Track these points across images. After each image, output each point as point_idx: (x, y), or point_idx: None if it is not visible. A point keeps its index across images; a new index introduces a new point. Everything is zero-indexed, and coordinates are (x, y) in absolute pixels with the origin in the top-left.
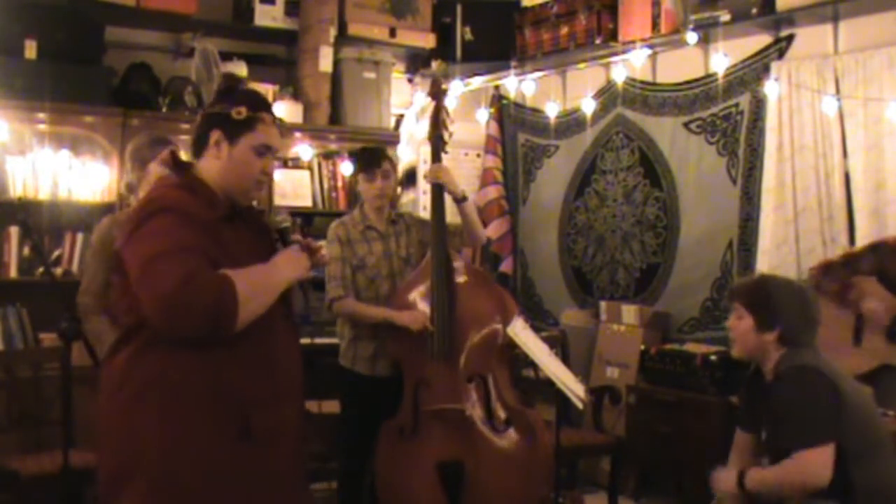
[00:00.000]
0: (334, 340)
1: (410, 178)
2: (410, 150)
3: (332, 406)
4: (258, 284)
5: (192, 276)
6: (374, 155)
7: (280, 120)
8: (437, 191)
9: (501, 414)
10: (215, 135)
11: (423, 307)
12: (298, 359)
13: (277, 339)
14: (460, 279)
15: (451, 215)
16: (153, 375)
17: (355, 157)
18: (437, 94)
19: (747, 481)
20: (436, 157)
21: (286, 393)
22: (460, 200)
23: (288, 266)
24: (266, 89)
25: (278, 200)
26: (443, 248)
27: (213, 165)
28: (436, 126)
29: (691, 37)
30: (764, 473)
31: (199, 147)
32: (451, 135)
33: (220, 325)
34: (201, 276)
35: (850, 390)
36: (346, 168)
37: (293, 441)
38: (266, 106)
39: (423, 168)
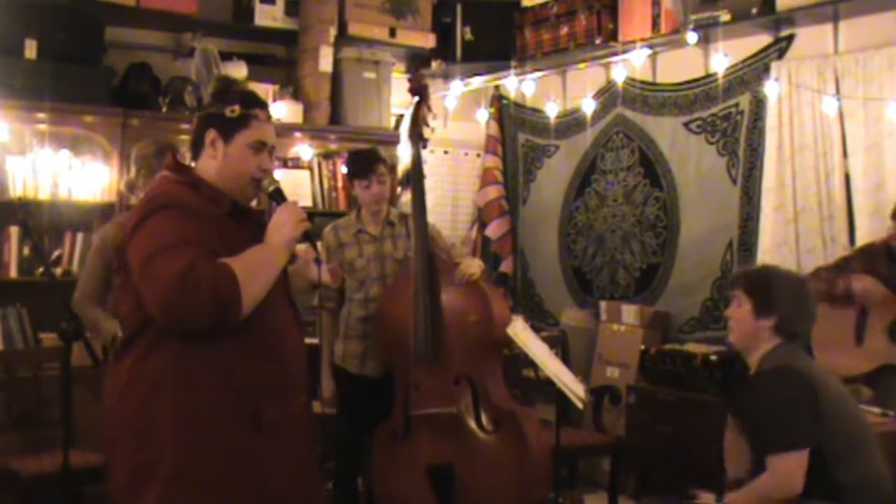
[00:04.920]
0: None
1: (410, 178)
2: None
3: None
4: (256, 264)
5: (191, 270)
6: (367, 160)
7: (276, 121)
8: (419, 188)
9: (490, 415)
10: (210, 134)
11: (406, 310)
12: (304, 348)
13: (284, 328)
14: (443, 279)
15: (452, 222)
16: (162, 374)
17: (349, 161)
18: (419, 90)
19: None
20: (416, 156)
21: (295, 382)
22: None
23: (283, 228)
24: (266, 89)
25: None
26: (424, 248)
27: (210, 165)
28: (416, 123)
29: (691, 37)
30: (741, 494)
31: (196, 148)
32: (432, 130)
33: (225, 313)
34: (200, 267)
35: (830, 392)
36: (346, 168)
37: (304, 430)
38: (260, 103)
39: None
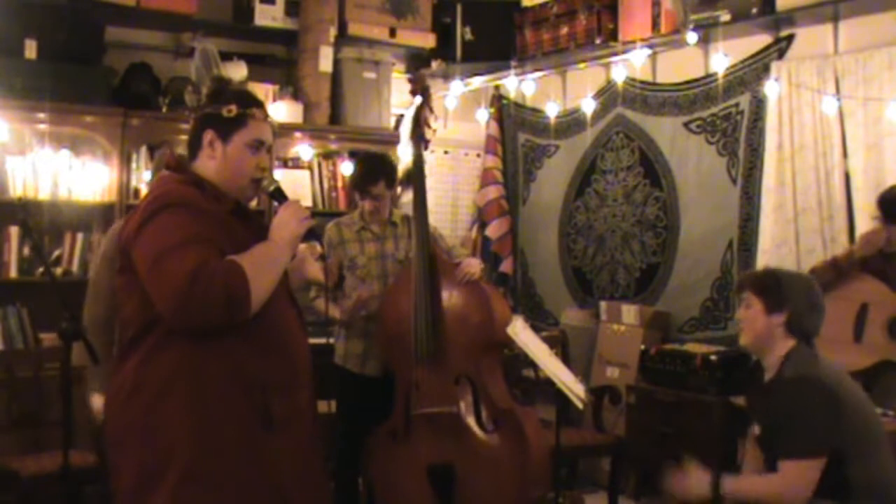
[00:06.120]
0: None
1: (410, 178)
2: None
3: (335, 406)
4: (263, 261)
5: (202, 268)
6: (368, 175)
7: (276, 121)
8: (420, 188)
9: (491, 415)
10: (208, 135)
11: (407, 310)
12: (307, 344)
13: (287, 325)
14: (444, 279)
15: (452, 227)
16: (172, 373)
17: (355, 167)
18: (421, 91)
19: (725, 488)
20: (418, 157)
21: (301, 378)
22: None
23: (288, 225)
24: (266, 89)
25: None
26: (425, 248)
27: (208, 165)
28: (417, 124)
29: (691, 37)
30: (744, 482)
31: (193, 149)
32: (434, 132)
33: (235, 310)
34: (210, 265)
35: (850, 394)
36: (346, 168)
37: (310, 427)
38: (256, 102)
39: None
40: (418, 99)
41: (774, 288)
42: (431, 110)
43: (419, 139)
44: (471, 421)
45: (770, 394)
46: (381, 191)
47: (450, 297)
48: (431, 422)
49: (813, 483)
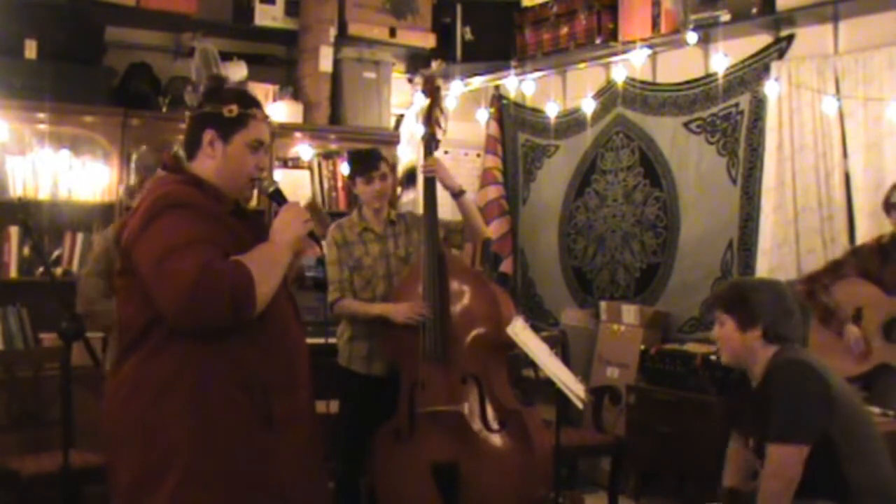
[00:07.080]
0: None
1: (410, 178)
2: (410, 150)
3: (333, 406)
4: (266, 261)
5: (207, 269)
6: (369, 157)
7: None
8: (430, 187)
9: (496, 415)
10: (209, 134)
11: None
12: (305, 343)
13: (287, 324)
14: (453, 278)
15: (453, 214)
16: (173, 373)
17: (350, 160)
18: (432, 91)
19: None
20: (428, 155)
21: (300, 377)
22: (457, 195)
23: (289, 227)
24: (266, 89)
25: None
26: (435, 246)
27: (208, 165)
28: (429, 124)
29: (691, 37)
30: None
31: (192, 149)
32: (444, 132)
33: (240, 311)
34: (214, 266)
35: (841, 389)
36: (346, 168)
37: (309, 426)
38: (255, 102)
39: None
40: (420, 97)
41: (743, 304)
42: (442, 110)
43: (430, 139)
44: (476, 420)
45: (761, 392)
46: (386, 169)
47: (458, 296)
48: (437, 420)
49: (799, 466)
